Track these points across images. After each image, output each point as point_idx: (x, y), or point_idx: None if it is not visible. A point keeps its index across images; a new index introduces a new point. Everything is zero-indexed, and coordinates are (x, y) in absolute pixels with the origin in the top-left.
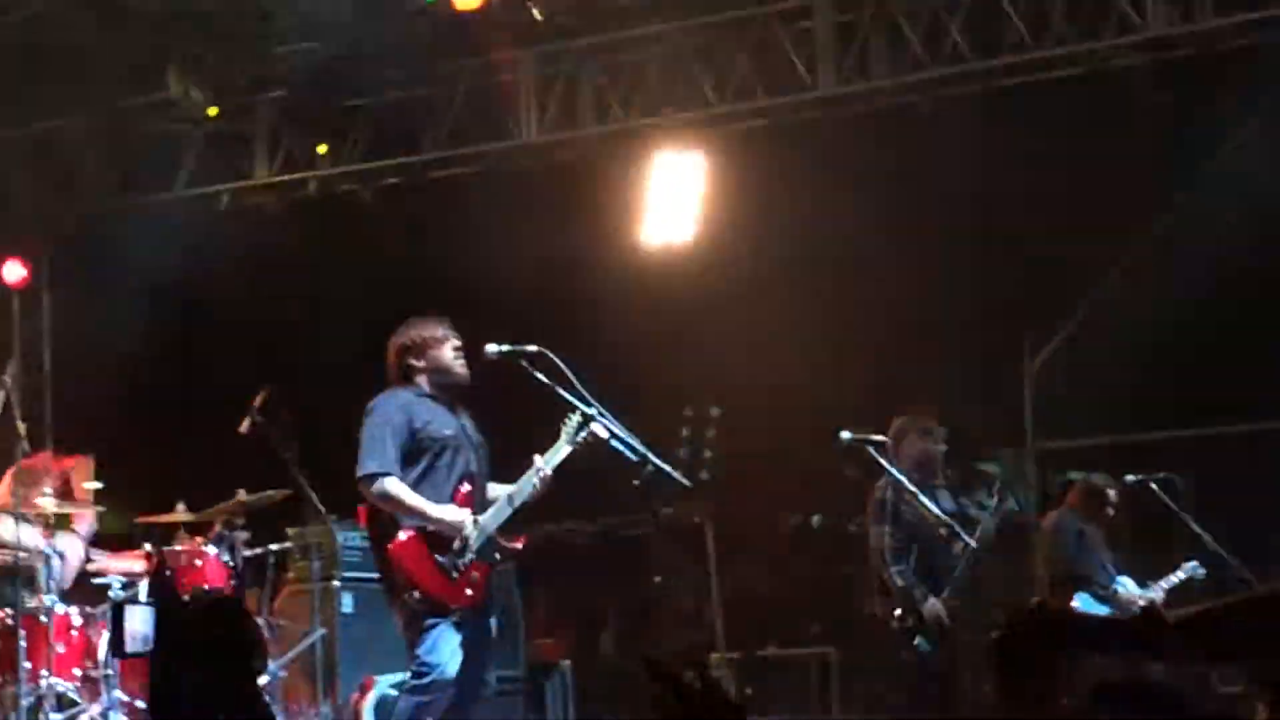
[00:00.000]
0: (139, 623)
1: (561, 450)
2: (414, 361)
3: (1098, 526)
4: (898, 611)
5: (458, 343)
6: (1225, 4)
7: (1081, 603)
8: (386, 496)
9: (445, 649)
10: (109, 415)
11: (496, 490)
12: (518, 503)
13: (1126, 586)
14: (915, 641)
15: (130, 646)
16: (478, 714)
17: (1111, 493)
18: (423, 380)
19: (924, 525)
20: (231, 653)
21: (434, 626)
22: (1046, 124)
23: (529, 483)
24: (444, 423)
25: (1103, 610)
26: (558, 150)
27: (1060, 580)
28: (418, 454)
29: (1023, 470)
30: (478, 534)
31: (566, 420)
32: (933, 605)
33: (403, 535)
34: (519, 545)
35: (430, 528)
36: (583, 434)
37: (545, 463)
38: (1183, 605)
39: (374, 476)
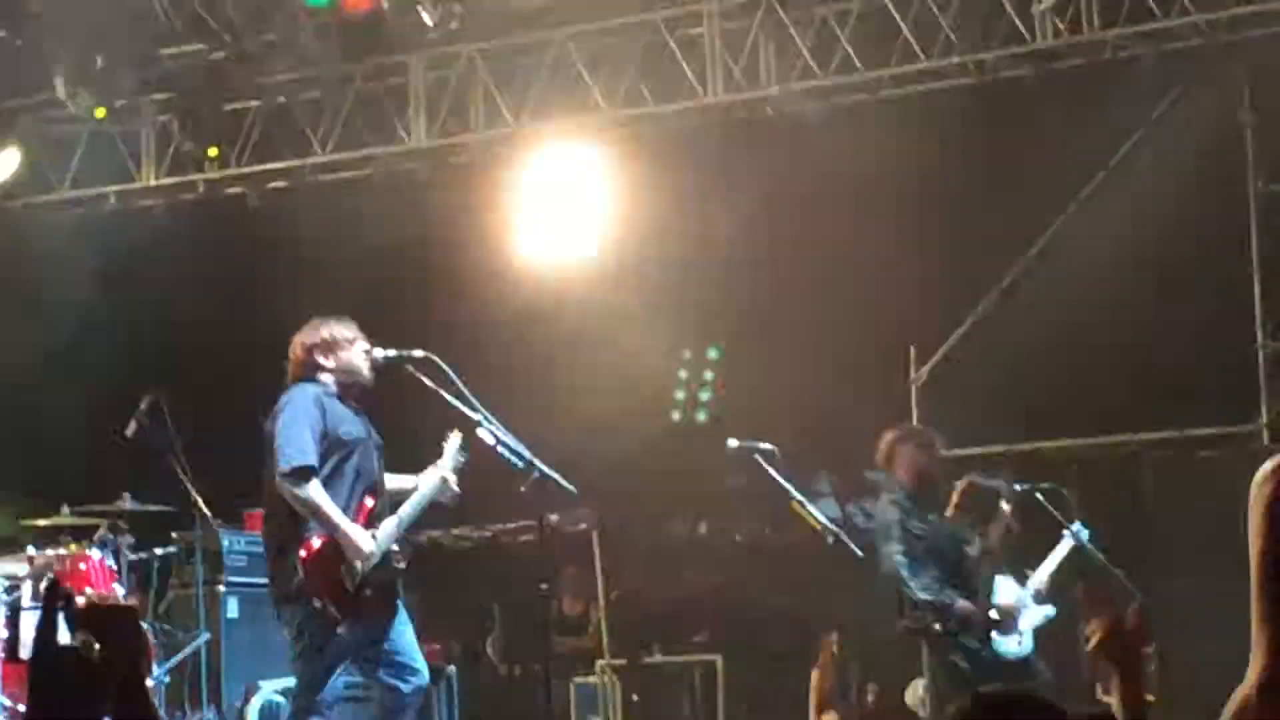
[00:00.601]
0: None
1: (448, 464)
2: (322, 360)
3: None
4: (937, 626)
5: (366, 345)
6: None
7: None
8: (308, 499)
9: (338, 668)
10: None
11: (395, 481)
12: (405, 524)
13: (1003, 587)
14: (961, 642)
15: (25, 652)
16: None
17: (1006, 506)
18: (329, 380)
19: (936, 535)
20: (122, 658)
21: (330, 643)
22: (937, 134)
23: (416, 505)
24: (352, 425)
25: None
26: (448, 154)
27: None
28: (327, 454)
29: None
30: (375, 555)
31: (447, 439)
32: (964, 606)
33: (317, 542)
34: (404, 564)
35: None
36: (464, 457)
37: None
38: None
39: (300, 472)
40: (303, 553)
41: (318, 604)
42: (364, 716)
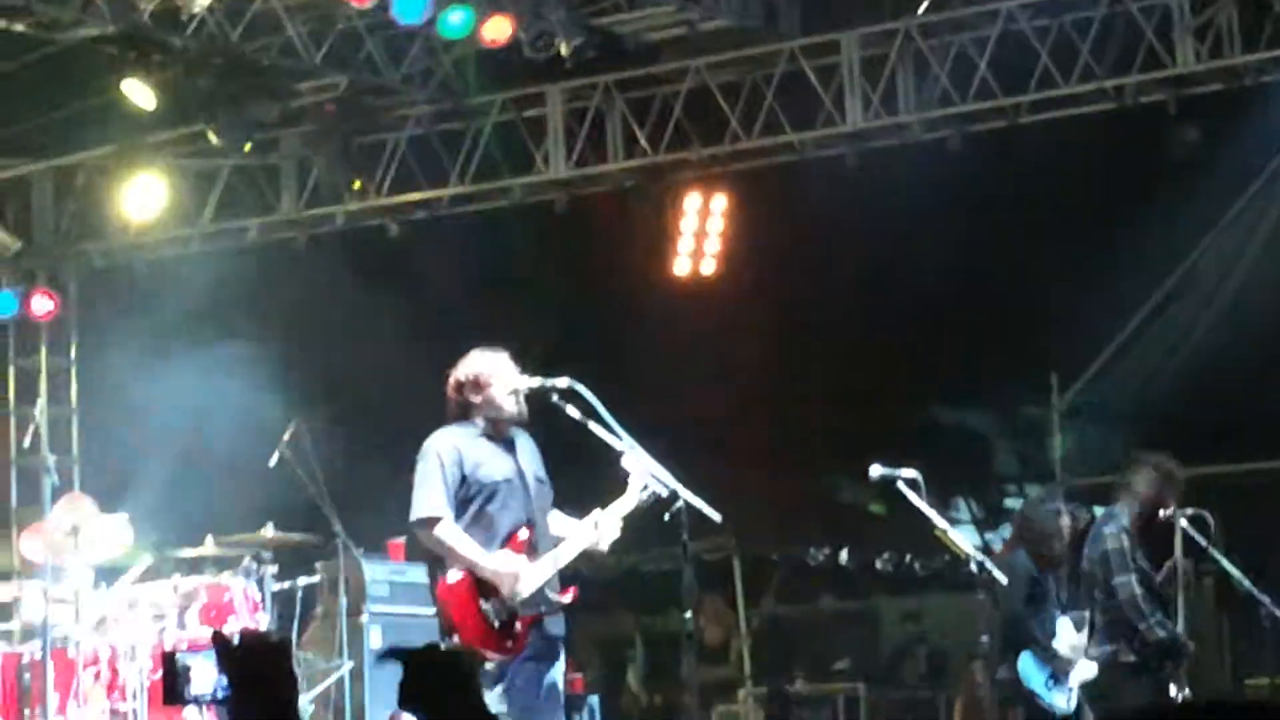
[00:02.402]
0: (199, 670)
1: (625, 506)
2: (472, 398)
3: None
4: (1131, 658)
5: (515, 380)
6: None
7: (1024, 666)
8: (439, 542)
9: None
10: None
11: (563, 525)
12: (564, 561)
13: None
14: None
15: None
16: None
17: (1065, 521)
18: (479, 418)
19: (1146, 570)
20: (275, 696)
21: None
22: (1076, 160)
23: (579, 542)
24: (497, 465)
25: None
26: (585, 184)
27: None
28: (468, 499)
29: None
30: (528, 581)
31: (630, 478)
32: (1189, 645)
33: (453, 578)
34: (567, 598)
35: (480, 574)
36: (647, 492)
37: (606, 524)
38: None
39: (427, 521)
40: (440, 589)
41: (455, 640)
42: None
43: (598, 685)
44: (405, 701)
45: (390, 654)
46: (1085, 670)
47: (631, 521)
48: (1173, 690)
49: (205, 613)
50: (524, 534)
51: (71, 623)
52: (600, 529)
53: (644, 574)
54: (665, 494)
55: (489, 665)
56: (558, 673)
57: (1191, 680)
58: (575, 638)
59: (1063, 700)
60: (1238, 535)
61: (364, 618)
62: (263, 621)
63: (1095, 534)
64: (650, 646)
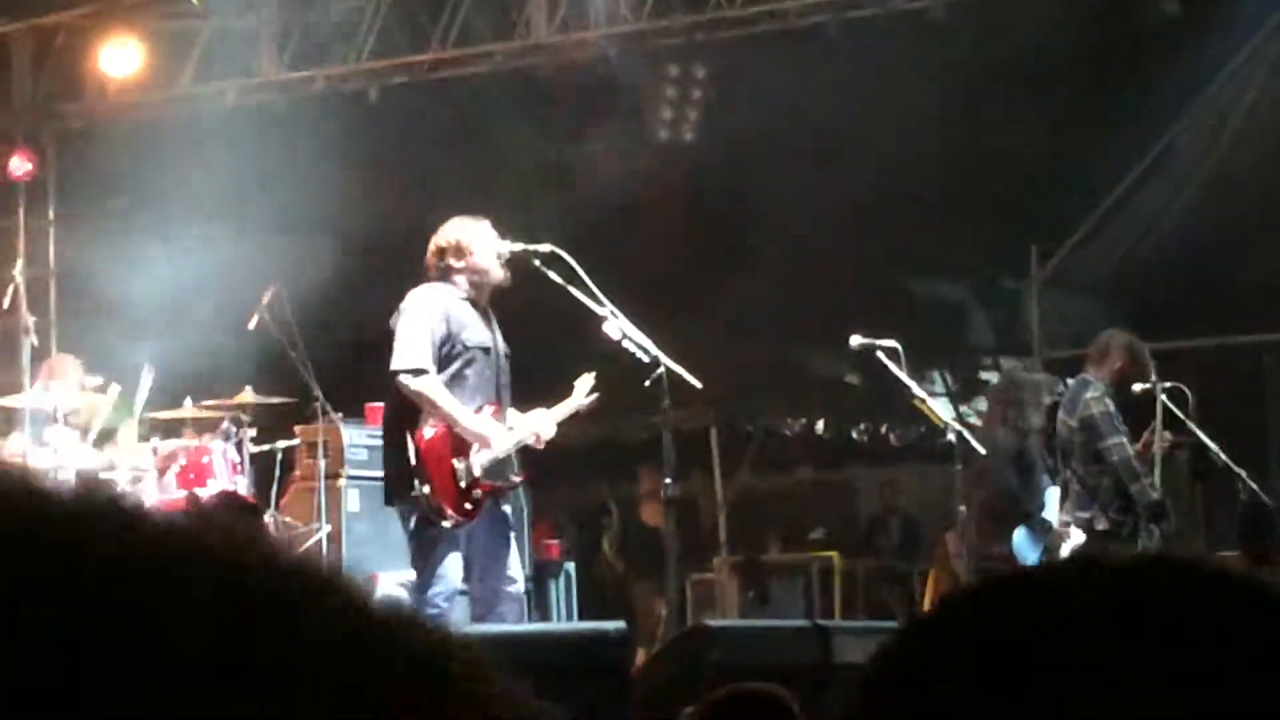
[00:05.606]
0: None
1: (566, 410)
2: (454, 262)
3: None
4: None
5: (500, 246)
6: None
7: (1018, 541)
8: (421, 394)
9: (447, 560)
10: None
11: (512, 416)
12: (516, 442)
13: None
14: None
15: None
16: (503, 615)
17: (1046, 398)
18: (460, 280)
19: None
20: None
21: (434, 537)
22: (1056, 34)
23: (527, 432)
24: (478, 331)
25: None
26: (567, 50)
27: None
28: (449, 359)
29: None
30: (500, 447)
31: (579, 380)
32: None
33: (430, 431)
34: (520, 479)
35: (456, 431)
36: (591, 398)
37: (547, 421)
38: None
39: (411, 371)
40: (417, 440)
41: (426, 491)
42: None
43: (574, 553)
44: None
45: None
46: (1077, 540)
47: (610, 388)
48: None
49: (184, 475)
50: (489, 410)
51: None
52: (541, 428)
53: (621, 442)
54: (617, 338)
55: (446, 524)
56: (511, 553)
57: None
58: (549, 505)
59: None
60: (1212, 409)
61: (342, 481)
62: (241, 484)
63: (1073, 400)
64: (625, 514)
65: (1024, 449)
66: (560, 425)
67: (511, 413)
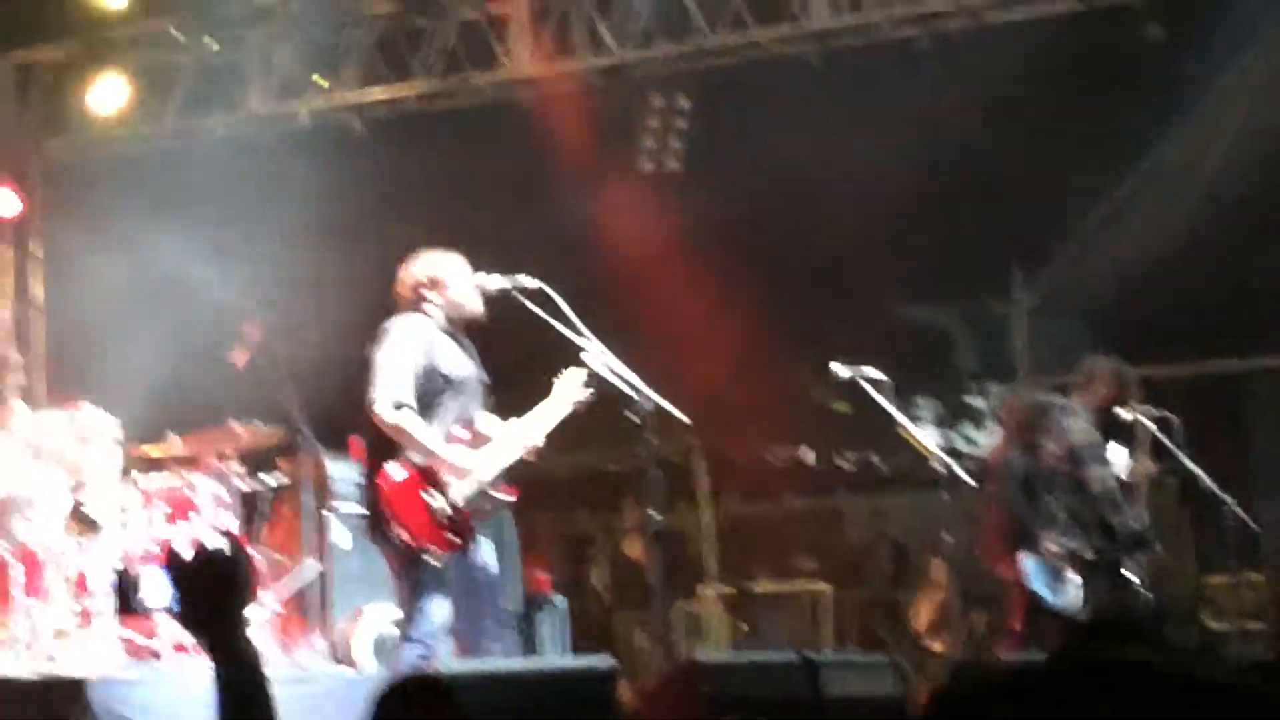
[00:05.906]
0: (151, 581)
1: (554, 412)
2: (429, 294)
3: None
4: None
5: (480, 279)
6: None
7: (1028, 566)
8: (398, 427)
9: (434, 601)
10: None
11: (491, 426)
12: (505, 464)
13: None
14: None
15: (139, 606)
16: (490, 650)
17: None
18: (437, 313)
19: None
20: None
21: (419, 579)
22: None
23: (516, 447)
24: (457, 361)
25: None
26: (551, 82)
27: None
28: (428, 390)
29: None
30: (478, 477)
31: (560, 377)
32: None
33: (398, 475)
34: (510, 496)
35: (430, 465)
36: (586, 393)
37: (533, 430)
38: None
39: (389, 403)
40: (380, 482)
41: (405, 536)
42: (512, 644)
43: (562, 586)
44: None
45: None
46: (1076, 582)
47: (596, 421)
48: (1134, 583)
49: (171, 511)
50: (464, 435)
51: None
52: (529, 439)
53: (607, 473)
54: (634, 395)
55: (434, 561)
56: (497, 587)
57: (1155, 579)
58: (537, 537)
59: (1069, 598)
60: (1198, 435)
61: (329, 516)
62: (227, 521)
63: (1057, 429)
64: (611, 547)
65: (1034, 472)
66: (546, 457)
67: (493, 420)
